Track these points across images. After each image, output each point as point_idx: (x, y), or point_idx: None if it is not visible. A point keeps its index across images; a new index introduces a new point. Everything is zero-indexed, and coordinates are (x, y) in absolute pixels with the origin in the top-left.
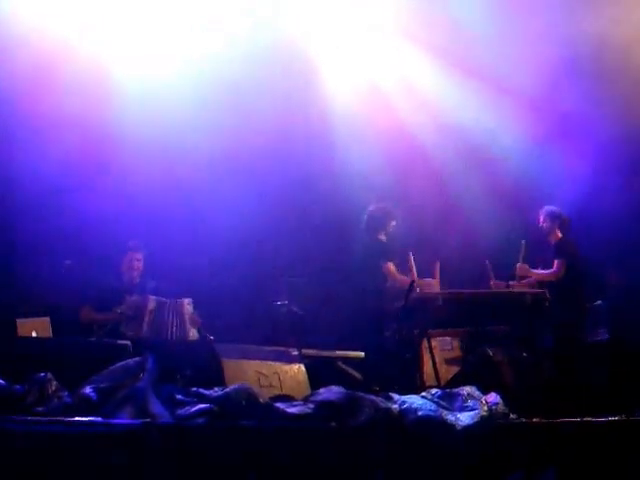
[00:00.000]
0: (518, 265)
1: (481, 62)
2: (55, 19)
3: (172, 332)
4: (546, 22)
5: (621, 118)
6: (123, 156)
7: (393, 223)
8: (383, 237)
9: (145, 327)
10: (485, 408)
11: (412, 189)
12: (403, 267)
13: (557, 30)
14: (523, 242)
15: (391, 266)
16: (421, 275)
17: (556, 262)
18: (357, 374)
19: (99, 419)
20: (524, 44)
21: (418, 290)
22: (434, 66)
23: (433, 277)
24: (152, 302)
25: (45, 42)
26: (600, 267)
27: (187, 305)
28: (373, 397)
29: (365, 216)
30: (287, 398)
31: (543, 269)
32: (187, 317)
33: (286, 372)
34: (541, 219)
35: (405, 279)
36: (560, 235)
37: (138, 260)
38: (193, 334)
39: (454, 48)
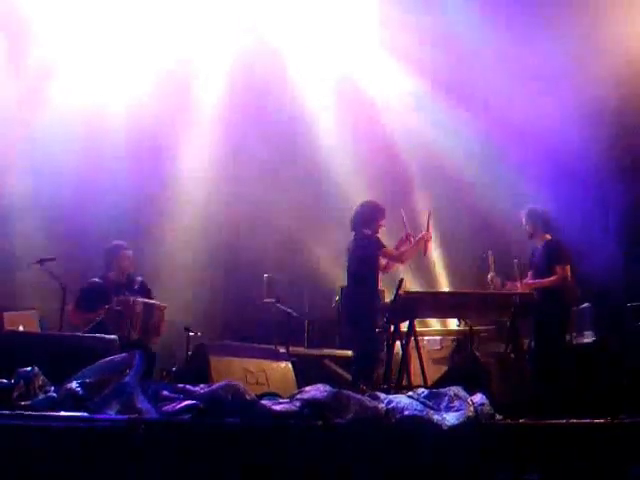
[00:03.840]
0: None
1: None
2: None
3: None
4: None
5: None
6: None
7: (382, 222)
8: (368, 231)
9: (133, 331)
10: (471, 409)
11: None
12: None
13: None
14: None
15: (388, 249)
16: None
17: (558, 268)
18: (344, 372)
19: (85, 414)
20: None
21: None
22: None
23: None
24: (139, 305)
25: None
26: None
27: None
28: (360, 396)
29: (353, 212)
30: (273, 395)
31: (534, 274)
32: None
33: (273, 370)
34: (523, 220)
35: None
36: (549, 236)
37: (129, 259)
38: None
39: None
